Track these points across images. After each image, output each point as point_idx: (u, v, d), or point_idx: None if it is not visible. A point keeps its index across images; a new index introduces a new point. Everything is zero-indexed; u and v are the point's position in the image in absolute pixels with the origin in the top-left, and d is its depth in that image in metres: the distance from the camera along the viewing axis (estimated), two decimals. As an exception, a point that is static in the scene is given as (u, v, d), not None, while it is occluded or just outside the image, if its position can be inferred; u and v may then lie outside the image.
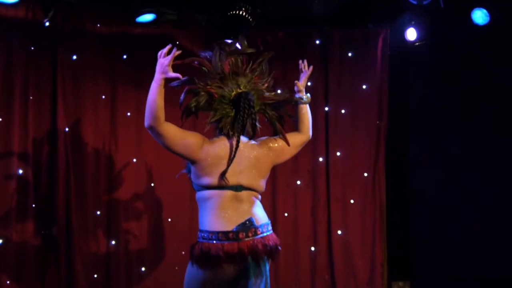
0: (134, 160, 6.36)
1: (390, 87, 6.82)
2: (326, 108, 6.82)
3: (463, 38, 6.32)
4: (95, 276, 6.10)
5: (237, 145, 4.10)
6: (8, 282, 5.79)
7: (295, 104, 4.52)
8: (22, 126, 5.95)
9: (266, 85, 4.40)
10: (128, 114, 6.38)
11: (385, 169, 6.79)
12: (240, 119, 4.16)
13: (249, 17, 6.07)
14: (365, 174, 6.76)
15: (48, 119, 6.09)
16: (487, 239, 6.32)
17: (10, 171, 5.87)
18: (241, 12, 6.03)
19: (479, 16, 6.01)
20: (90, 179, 6.16)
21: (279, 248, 4.11)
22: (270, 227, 4.12)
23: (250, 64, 4.37)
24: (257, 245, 3.95)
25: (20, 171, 5.91)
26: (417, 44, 6.54)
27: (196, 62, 4.30)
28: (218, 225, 3.98)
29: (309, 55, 6.77)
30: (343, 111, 6.81)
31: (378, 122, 6.80)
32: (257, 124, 4.30)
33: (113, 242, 6.19)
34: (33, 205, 5.92)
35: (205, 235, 4.01)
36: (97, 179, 6.20)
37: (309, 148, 6.72)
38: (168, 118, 4.06)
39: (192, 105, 4.21)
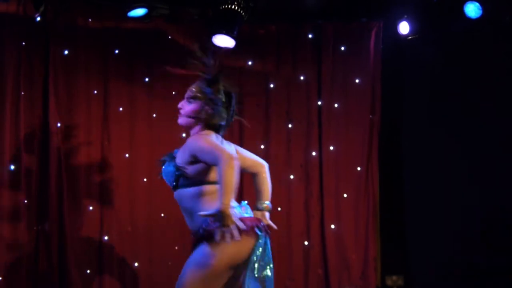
0: (127, 155, 6.35)
1: (383, 81, 6.80)
2: (319, 102, 6.79)
3: (455, 32, 6.32)
4: (88, 271, 6.10)
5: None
6: (0, 278, 5.78)
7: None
8: (14, 121, 5.94)
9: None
10: (121, 109, 6.36)
11: (378, 163, 6.78)
12: (231, 117, 4.22)
13: (242, 11, 6.05)
14: (359, 168, 6.74)
15: (40, 114, 6.08)
16: (481, 233, 6.33)
17: (2, 167, 5.87)
18: (233, 6, 6.01)
19: (472, 9, 6.00)
20: (82, 175, 6.15)
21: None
22: None
23: None
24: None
25: (12, 167, 5.90)
26: (410, 37, 6.53)
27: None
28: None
29: (302, 49, 6.81)
30: (336, 105, 6.79)
31: (371, 116, 6.78)
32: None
33: (106, 238, 6.18)
34: (25, 201, 5.91)
35: (212, 218, 3.87)
36: (90, 175, 6.19)
37: (302, 142, 6.73)
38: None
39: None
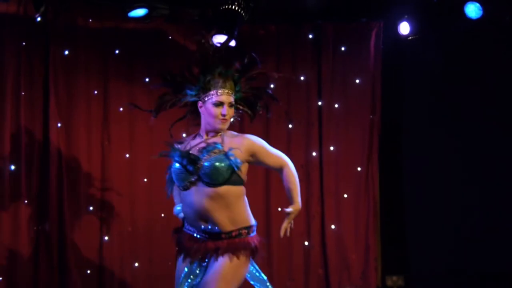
0: (127, 155, 6.35)
1: (383, 81, 6.81)
2: (319, 103, 6.80)
3: (455, 32, 6.32)
4: (88, 271, 6.11)
5: None
6: (0, 278, 5.79)
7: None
8: (14, 122, 5.95)
9: None
10: (121, 109, 6.36)
11: (378, 163, 6.79)
12: None
13: (242, 12, 6.05)
14: (359, 169, 6.75)
15: (40, 114, 6.08)
16: (480, 233, 6.34)
17: (2, 167, 5.86)
18: (234, 7, 6.01)
19: (472, 9, 6.00)
20: (82, 175, 6.16)
21: None
22: None
23: None
24: None
25: (12, 167, 5.90)
26: (410, 38, 6.53)
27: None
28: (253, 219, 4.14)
29: (302, 49, 6.81)
30: (336, 105, 6.80)
31: (371, 116, 6.78)
32: None
33: (106, 238, 6.19)
34: (26, 201, 5.92)
35: (253, 228, 4.12)
36: (90, 175, 6.19)
37: (303, 142, 6.73)
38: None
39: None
